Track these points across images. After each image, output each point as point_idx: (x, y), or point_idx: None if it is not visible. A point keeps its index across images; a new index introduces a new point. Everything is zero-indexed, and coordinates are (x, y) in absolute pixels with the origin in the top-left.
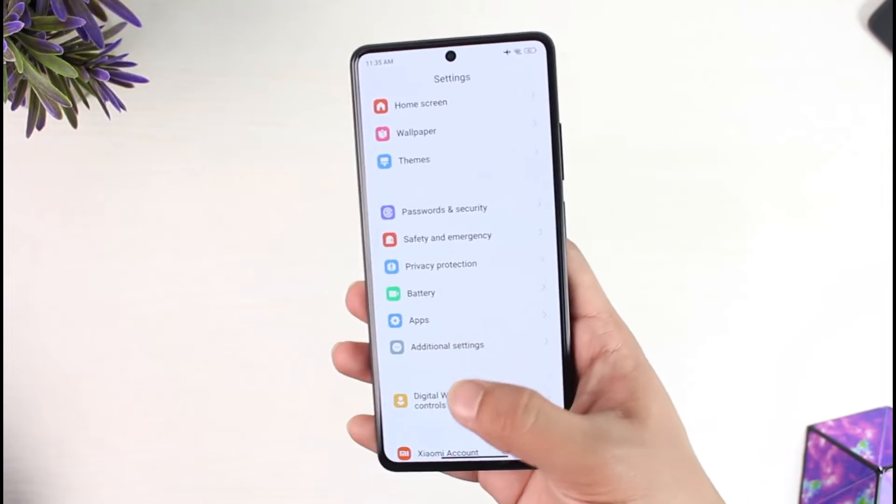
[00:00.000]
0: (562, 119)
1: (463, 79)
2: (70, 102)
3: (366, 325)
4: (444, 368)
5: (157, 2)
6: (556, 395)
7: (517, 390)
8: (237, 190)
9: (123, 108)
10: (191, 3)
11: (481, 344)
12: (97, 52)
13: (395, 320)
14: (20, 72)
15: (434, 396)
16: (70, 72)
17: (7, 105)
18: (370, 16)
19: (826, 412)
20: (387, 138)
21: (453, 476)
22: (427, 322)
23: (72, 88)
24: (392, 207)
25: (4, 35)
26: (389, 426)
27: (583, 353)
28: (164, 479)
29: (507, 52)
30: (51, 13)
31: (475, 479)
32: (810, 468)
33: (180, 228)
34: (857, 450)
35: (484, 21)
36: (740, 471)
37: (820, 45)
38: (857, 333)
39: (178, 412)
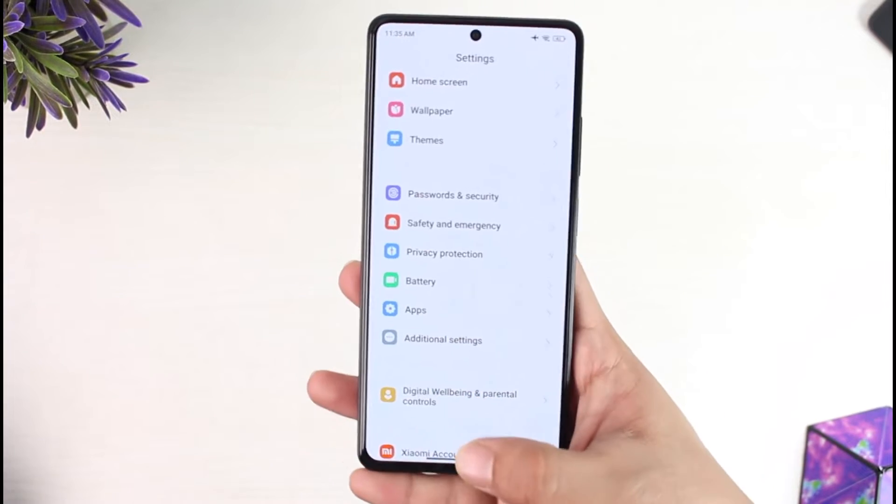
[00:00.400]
0: None
1: (486, 60)
2: (70, 102)
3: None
4: (437, 363)
5: (157, 2)
6: (554, 398)
7: (532, 457)
8: (237, 190)
9: (123, 108)
10: (191, 3)
11: (479, 340)
12: (97, 52)
13: (390, 308)
14: (20, 72)
15: (424, 392)
16: (70, 72)
17: (7, 105)
18: (370, 16)
19: (826, 412)
20: (400, 114)
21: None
22: (424, 312)
23: (72, 88)
24: (398, 188)
25: (4, 35)
26: (374, 421)
27: (581, 369)
28: (164, 479)
29: (534, 37)
30: (51, 13)
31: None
32: (810, 468)
33: (180, 228)
34: (857, 450)
35: None
36: (740, 471)
37: (820, 44)
38: (857, 333)
39: (178, 412)
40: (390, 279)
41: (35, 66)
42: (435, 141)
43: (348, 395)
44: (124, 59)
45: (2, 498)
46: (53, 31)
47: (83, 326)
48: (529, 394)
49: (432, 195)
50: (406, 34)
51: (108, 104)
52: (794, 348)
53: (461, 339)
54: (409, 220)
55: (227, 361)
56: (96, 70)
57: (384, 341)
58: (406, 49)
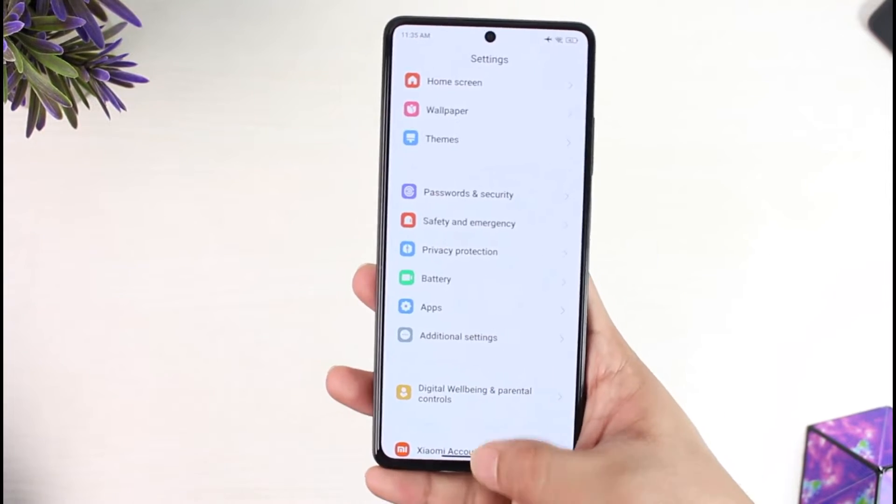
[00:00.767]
0: None
1: (501, 61)
2: (70, 102)
3: (371, 316)
4: (453, 360)
5: (157, 2)
6: (569, 393)
7: (525, 452)
8: (237, 190)
9: (123, 107)
10: (191, 3)
11: (495, 337)
12: (97, 52)
13: (405, 306)
14: (20, 72)
15: (440, 389)
16: (70, 72)
17: (7, 105)
18: (370, 16)
19: (826, 412)
20: (416, 114)
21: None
22: (440, 310)
23: (72, 88)
24: (414, 186)
25: (4, 35)
26: (389, 419)
27: (587, 374)
28: (164, 479)
29: (548, 38)
30: (51, 13)
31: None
32: (810, 468)
33: (180, 228)
34: (857, 450)
35: None
36: (740, 471)
37: (820, 45)
38: (857, 333)
39: (178, 412)
40: (406, 276)
41: (35, 66)
42: (450, 140)
43: (368, 392)
44: (124, 59)
45: (2, 498)
46: (53, 31)
47: (83, 326)
48: (544, 390)
49: (447, 193)
50: (422, 35)
51: (108, 104)
52: (794, 348)
53: (476, 337)
54: (424, 218)
55: (227, 361)
56: (96, 70)
57: (400, 339)
58: (422, 50)
